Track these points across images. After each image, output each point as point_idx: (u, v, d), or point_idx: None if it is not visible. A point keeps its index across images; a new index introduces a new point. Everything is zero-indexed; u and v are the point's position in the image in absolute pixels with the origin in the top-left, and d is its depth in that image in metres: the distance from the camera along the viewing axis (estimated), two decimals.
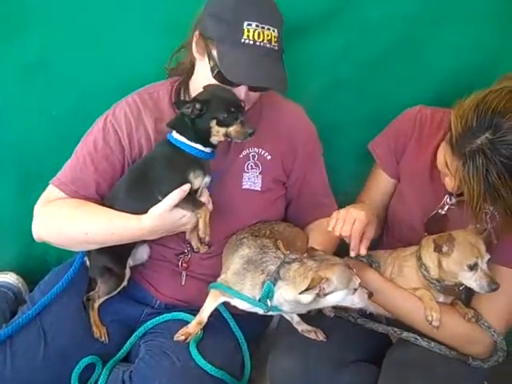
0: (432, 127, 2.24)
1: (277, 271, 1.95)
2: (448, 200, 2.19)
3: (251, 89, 2.08)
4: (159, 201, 2.03)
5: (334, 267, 1.92)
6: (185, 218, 2.05)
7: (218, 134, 2.04)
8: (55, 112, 2.51)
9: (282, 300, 1.96)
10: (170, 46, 2.26)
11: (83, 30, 2.40)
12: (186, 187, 2.02)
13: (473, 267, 1.99)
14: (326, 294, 1.90)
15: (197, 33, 2.09)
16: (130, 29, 2.40)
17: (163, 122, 2.17)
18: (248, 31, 1.98)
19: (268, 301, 1.97)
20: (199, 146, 2.05)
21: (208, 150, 2.07)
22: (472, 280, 2.00)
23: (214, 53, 2.03)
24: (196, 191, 2.08)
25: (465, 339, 2.11)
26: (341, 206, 2.37)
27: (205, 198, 2.09)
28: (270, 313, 2.02)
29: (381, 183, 2.37)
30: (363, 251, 2.07)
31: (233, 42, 1.99)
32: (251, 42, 1.98)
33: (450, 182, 2.02)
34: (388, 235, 2.40)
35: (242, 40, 1.98)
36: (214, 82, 2.06)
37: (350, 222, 2.05)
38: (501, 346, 2.10)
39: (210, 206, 2.10)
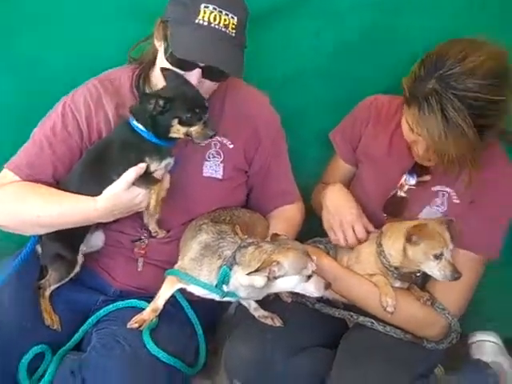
0: (389, 112, 2.26)
1: (233, 256, 1.93)
2: (407, 181, 2.19)
3: (206, 76, 2.02)
4: (114, 180, 2.00)
5: (288, 251, 1.90)
6: (140, 195, 2.01)
7: (178, 132, 2.00)
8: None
9: (237, 284, 1.94)
10: (138, 33, 2.20)
11: (47, 14, 2.35)
12: (143, 165, 1.99)
13: (438, 257, 2.00)
14: (276, 278, 1.87)
15: (158, 19, 2.04)
16: (95, 12, 2.35)
17: (124, 108, 2.13)
18: (204, 12, 1.93)
19: (224, 286, 1.95)
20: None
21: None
22: (436, 269, 2.01)
23: (168, 34, 1.98)
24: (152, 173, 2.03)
25: (420, 322, 2.12)
26: (305, 192, 2.42)
27: (159, 173, 2.05)
28: (226, 299, 2.00)
29: (340, 170, 2.41)
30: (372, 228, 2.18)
31: (187, 22, 1.94)
32: (205, 23, 1.93)
33: (419, 149, 2.02)
34: None
35: (197, 20, 1.93)
36: (167, 65, 2.01)
37: (349, 232, 2.15)
38: (455, 328, 2.12)
39: (165, 184, 2.06)
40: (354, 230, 2.16)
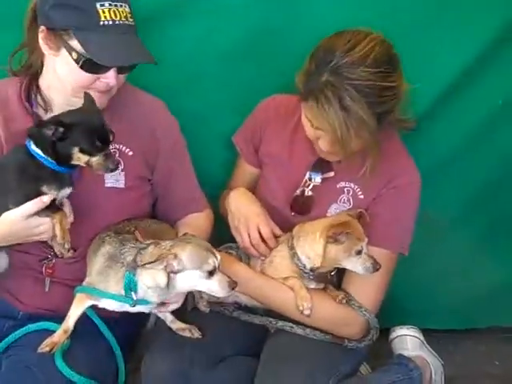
0: (288, 110, 2.27)
1: (134, 260, 1.88)
2: (312, 178, 2.19)
3: (121, 72, 1.98)
4: (10, 208, 1.89)
5: (187, 245, 1.85)
6: (42, 226, 1.92)
7: (78, 160, 1.91)
8: None
9: (145, 288, 1.88)
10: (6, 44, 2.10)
11: None
12: (47, 198, 1.89)
13: (359, 252, 2.01)
14: (175, 273, 1.83)
15: (42, 28, 1.93)
16: None
17: (13, 122, 2.04)
18: (103, 12, 1.87)
19: (133, 294, 1.89)
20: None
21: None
22: (358, 264, 2.02)
23: (74, 43, 1.89)
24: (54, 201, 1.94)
25: (338, 322, 2.12)
26: (213, 199, 2.38)
27: (67, 208, 1.98)
28: (137, 308, 1.93)
29: (246, 173, 2.40)
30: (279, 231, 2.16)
31: (92, 27, 1.88)
32: (110, 23, 1.88)
33: (323, 142, 2.01)
34: None
35: (101, 22, 1.87)
36: (80, 73, 1.93)
37: (255, 234, 2.12)
38: (373, 324, 2.13)
39: (71, 219, 1.98)
40: (259, 232, 2.13)
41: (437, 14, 2.30)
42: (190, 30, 2.33)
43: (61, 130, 1.86)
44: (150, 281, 1.86)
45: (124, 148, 2.14)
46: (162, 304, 1.99)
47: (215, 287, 1.87)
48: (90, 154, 1.89)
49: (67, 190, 1.97)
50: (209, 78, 2.41)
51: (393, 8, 2.26)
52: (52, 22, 1.91)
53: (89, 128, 1.88)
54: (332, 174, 2.18)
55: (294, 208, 2.22)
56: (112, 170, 1.93)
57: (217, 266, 1.86)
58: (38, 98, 2.08)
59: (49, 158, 1.91)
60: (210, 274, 1.85)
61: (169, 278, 1.84)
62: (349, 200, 2.16)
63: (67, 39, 1.90)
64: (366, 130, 1.90)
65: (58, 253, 2.08)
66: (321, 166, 2.18)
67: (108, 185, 2.13)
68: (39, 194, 1.90)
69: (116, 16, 1.89)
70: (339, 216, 2.09)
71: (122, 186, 2.15)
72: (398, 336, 2.51)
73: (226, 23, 2.32)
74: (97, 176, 2.10)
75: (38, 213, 1.90)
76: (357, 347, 2.16)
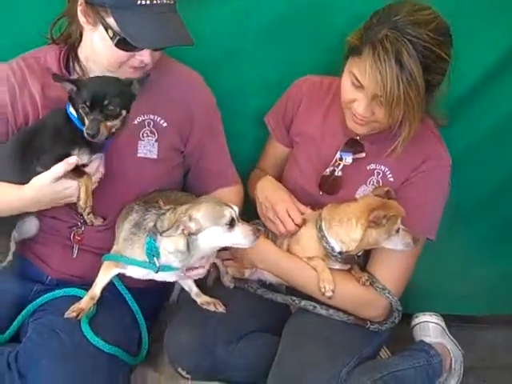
0: (321, 91, 2.27)
1: (154, 225, 1.90)
2: (343, 158, 2.18)
3: (157, 49, 1.98)
4: (38, 171, 1.92)
5: (201, 205, 1.86)
6: (69, 189, 1.94)
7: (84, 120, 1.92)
8: None
9: (166, 253, 1.90)
10: (51, 12, 2.11)
11: None
12: (73, 160, 1.91)
13: (398, 230, 2.01)
14: (195, 234, 1.84)
15: (81, 1, 1.94)
16: None
17: (51, 89, 2.05)
18: None
19: (156, 260, 1.91)
20: None
21: None
22: (398, 242, 2.02)
23: (110, 21, 1.89)
24: (83, 165, 1.96)
25: (361, 303, 2.13)
26: (243, 172, 2.39)
27: (90, 167, 1.98)
28: (161, 274, 1.96)
29: (276, 152, 2.41)
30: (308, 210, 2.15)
31: (129, 6, 1.87)
32: (148, 2, 1.88)
33: (359, 104, 1.99)
34: None
35: (138, 2, 1.87)
36: (115, 50, 1.93)
37: (286, 218, 2.12)
38: (396, 307, 2.13)
39: (97, 176, 2.00)
40: (289, 216, 2.12)
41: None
42: (227, 7, 2.33)
43: (68, 86, 1.90)
44: (170, 246, 1.88)
45: (159, 119, 2.15)
46: (189, 269, 1.99)
47: (239, 238, 1.86)
48: (86, 115, 1.89)
49: (98, 155, 1.99)
50: (245, 56, 2.40)
51: None
52: None
53: (86, 91, 1.89)
54: (363, 154, 2.17)
55: (322, 187, 2.21)
56: (89, 135, 1.88)
57: (235, 217, 1.86)
58: (76, 67, 2.10)
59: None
60: (231, 226, 1.85)
61: (188, 241, 1.85)
62: (378, 182, 2.15)
63: (104, 16, 1.91)
64: (414, 92, 1.89)
65: (87, 220, 2.09)
66: (352, 146, 2.18)
67: (140, 154, 2.14)
68: (69, 156, 1.92)
69: None
70: (368, 198, 2.07)
71: (154, 156, 2.16)
72: (420, 322, 2.50)
73: (264, 3, 2.32)
74: (130, 145, 2.13)
75: (65, 176, 1.92)
76: (379, 329, 2.16)
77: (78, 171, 1.93)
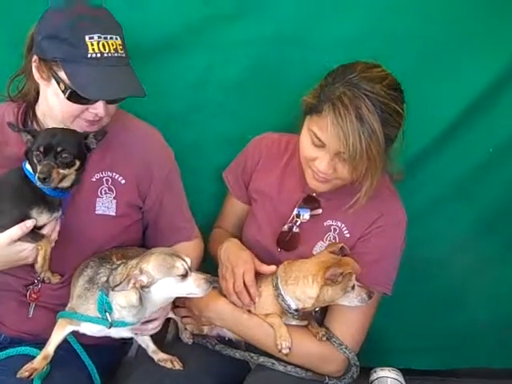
0: (279, 149, 2.31)
1: (107, 280, 1.90)
2: (300, 215, 2.21)
3: (109, 102, 1.99)
4: None
5: (150, 257, 1.86)
6: (25, 251, 1.93)
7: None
8: None
9: (119, 308, 1.89)
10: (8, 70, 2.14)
11: None
12: (30, 223, 1.90)
13: (353, 286, 2.02)
14: (147, 286, 1.84)
15: (35, 58, 1.97)
16: None
17: (8, 146, 2.06)
18: (92, 44, 1.90)
19: (108, 315, 1.90)
20: None
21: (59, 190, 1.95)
22: (354, 298, 2.02)
23: (62, 74, 1.92)
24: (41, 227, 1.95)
25: (318, 359, 2.12)
26: (201, 227, 2.40)
27: (47, 229, 1.97)
28: (115, 330, 1.94)
29: (234, 208, 2.43)
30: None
31: (79, 59, 1.90)
32: (98, 55, 1.91)
33: (321, 162, 2.00)
34: None
35: (89, 55, 1.90)
36: (68, 104, 1.95)
37: (239, 280, 2.09)
38: (354, 362, 2.13)
39: (54, 236, 1.99)
40: (245, 285, 2.11)
41: (432, 58, 2.37)
42: (188, 62, 2.38)
43: (29, 136, 1.92)
44: (122, 301, 1.88)
45: (117, 176, 2.16)
46: (144, 322, 1.98)
47: (192, 288, 1.86)
48: (39, 162, 1.89)
49: (56, 215, 1.98)
50: (205, 110, 2.45)
51: (394, 49, 2.31)
52: (43, 52, 1.94)
53: (41, 138, 1.91)
54: (320, 211, 2.20)
55: (280, 244, 2.23)
56: (39, 180, 1.87)
57: (187, 267, 1.86)
58: (34, 124, 2.11)
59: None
60: (184, 277, 1.85)
61: (141, 294, 1.84)
62: (335, 238, 2.18)
63: (56, 70, 1.93)
64: (375, 146, 1.92)
65: (45, 278, 2.08)
66: (309, 202, 2.21)
67: (99, 212, 2.14)
68: (27, 217, 1.91)
69: (105, 48, 1.91)
70: (324, 255, 2.08)
71: (112, 213, 2.16)
72: (378, 377, 2.51)
73: (224, 58, 2.38)
74: (88, 202, 2.13)
75: (24, 238, 1.91)
76: None
77: (35, 233, 1.92)
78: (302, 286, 2.04)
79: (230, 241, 2.25)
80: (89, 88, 1.91)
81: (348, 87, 1.93)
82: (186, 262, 1.87)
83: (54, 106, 2.00)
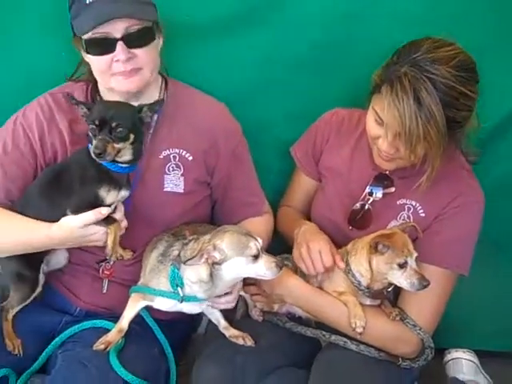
0: (350, 125, 2.26)
1: (179, 255, 1.90)
2: (373, 193, 2.16)
3: (129, 44, 1.95)
4: (68, 215, 1.94)
5: (225, 234, 1.86)
6: (96, 234, 1.96)
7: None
8: None
9: (189, 283, 1.90)
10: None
11: None
12: (105, 211, 1.93)
13: (402, 265, 1.97)
14: (219, 263, 1.84)
15: (73, 39, 2.03)
16: (45, 26, 2.28)
17: (79, 124, 2.08)
18: None
19: (179, 289, 1.91)
20: None
21: (122, 165, 1.96)
22: (402, 278, 1.98)
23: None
24: (109, 205, 1.97)
25: (392, 339, 2.08)
26: (271, 202, 2.39)
27: (119, 214, 1.99)
28: (187, 305, 1.96)
29: (302, 184, 2.39)
30: (342, 265, 2.07)
31: (81, 10, 1.94)
32: None
33: (383, 142, 1.98)
34: None
35: (87, 2, 1.92)
36: (94, 62, 1.98)
37: (317, 259, 2.06)
38: (428, 344, 2.08)
39: (124, 223, 2.01)
40: (321, 258, 2.08)
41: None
42: (258, 39, 2.35)
43: (85, 109, 1.93)
44: (193, 276, 1.89)
45: (184, 152, 2.16)
46: (217, 297, 1.99)
47: (262, 270, 1.86)
48: (94, 137, 1.90)
49: (124, 193, 2.00)
50: (272, 88, 2.42)
51: (465, 26, 2.21)
52: (71, 25, 2.00)
53: (96, 113, 1.91)
54: (393, 189, 2.15)
55: (351, 222, 2.19)
56: (95, 155, 1.88)
57: (259, 248, 1.85)
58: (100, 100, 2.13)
59: None
60: (255, 258, 1.84)
61: (212, 270, 1.85)
62: (409, 217, 2.12)
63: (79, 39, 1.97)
64: (434, 129, 1.86)
65: (117, 256, 2.08)
66: (382, 180, 2.16)
67: (167, 189, 2.15)
68: (97, 197, 1.94)
69: None
70: (388, 229, 2.07)
71: (180, 190, 2.16)
72: (453, 358, 2.46)
73: (293, 34, 2.34)
74: (156, 180, 2.14)
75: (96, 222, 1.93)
76: (411, 367, 2.11)
77: (107, 218, 1.94)
78: (359, 257, 2.04)
79: (307, 224, 2.23)
80: (83, 25, 1.93)
81: (411, 68, 1.87)
82: (259, 243, 1.86)
83: (94, 74, 2.03)
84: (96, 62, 1.99)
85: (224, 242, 1.84)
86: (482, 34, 2.23)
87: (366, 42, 2.31)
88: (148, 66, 2.02)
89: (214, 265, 1.85)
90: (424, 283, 1.96)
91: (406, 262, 1.97)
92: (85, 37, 1.95)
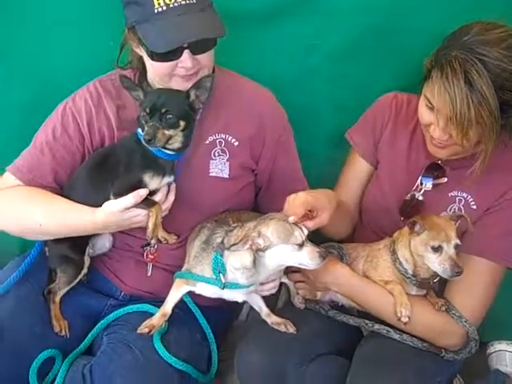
0: (408, 112, 2.22)
1: (222, 241, 1.92)
2: (424, 183, 2.14)
3: (195, 52, 1.95)
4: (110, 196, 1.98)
5: (271, 221, 1.86)
6: (138, 217, 1.98)
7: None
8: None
9: (232, 270, 1.91)
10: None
11: (47, 14, 2.33)
12: (143, 192, 1.95)
13: (437, 249, 1.94)
14: (263, 251, 1.84)
15: (126, 30, 2.01)
16: (83, 19, 2.32)
17: (126, 110, 2.11)
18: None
19: (221, 276, 1.92)
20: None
21: (170, 152, 1.99)
22: (436, 263, 1.96)
23: (142, 37, 1.94)
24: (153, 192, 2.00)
25: (436, 330, 2.06)
26: None
27: (160, 195, 2.01)
28: (229, 292, 1.97)
29: (358, 170, 2.32)
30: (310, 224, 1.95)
31: (149, 17, 1.91)
32: (165, 8, 1.89)
33: (435, 128, 1.95)
34: (362, 225, 2.34)
35: (155, 11, 1.89)
36: (157, 65, 1.97)
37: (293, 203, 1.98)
38: (473, 336, 2.06)
39: (167, 205, 2.03)
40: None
41: None
42: (300, 27, 2.34)
43: (141, 94, 1.95)
44: (236, 262, 1.89)
45: (230, 138, 2.16)
46: (261, 284, 2.00)
47: (305, 259, 1.86)
48: (146, 123, 1.92)
49: (168, 179, 2.02)
50: (319, 74, 2.40)
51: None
52: (126, 20, 1.97)
53: (148, 99, 1.93)
54: (445, 180, 2.12)
55: (403, 212, 2.17)
56: (145, 141, 1.90)
57: (304, 238, 1.84)
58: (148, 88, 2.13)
59: None
60: (300, 246, 1.84)
61: (255, 257, 1.85)
62: (460, 210, 2.09)
63: (137, 35, 1.95)
64: (486, 112, 1.83)
65: (161, 239, 2.12)
66: (434, 170, 2.13)
67: (212, 174, 2.16)
68: (140, 182, 1.96)
69: (170, 0, 1.89)
70: (436, 215, 2.04)
71: (225, 175, 2.17)
72: (496, 351, 2.42)
73: (338, 22, 2.33)
74: (201, 165, 2.15)
75: (137, 204, 1.96)
76: (454, 359, 2.08)
77: (147, 200, 1.96)
78: (404, 242, 2.02)
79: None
80: (158, 42, 1.91)
81: (460, 51, 1.84)
82: (304, 233, 1.86)
83: (151, 70, 2.03)
84: (158, 66, 1.98)
85: (269, 229, 1.85)
86: None
87: (414, 30, 2.29)
88: (208, 66, 2.03)
89: (257, 252, 1.86)
90: (457, 270, 1.93)
91: (440, 247, 1.94)
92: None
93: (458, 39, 1.87)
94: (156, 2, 1.89)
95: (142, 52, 2.00)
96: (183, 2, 1.90)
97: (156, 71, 2.00)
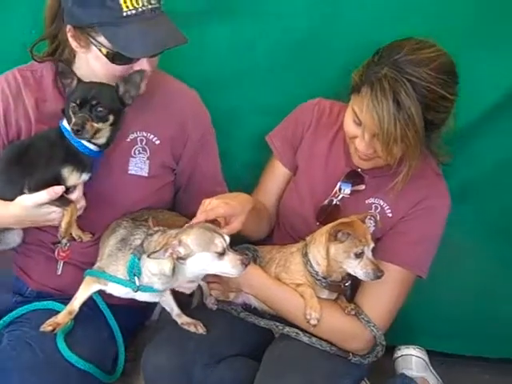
0: (330, 118, 2.24)
1: (141, 245, 1.88)
2: (342, 189, 2.16)
3: (152, 56, 1.94)
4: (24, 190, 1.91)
5: (191, 230, 1.84)
6: (53, 214, 1.93)
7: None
8: None
9: (149, 274, 1.88)
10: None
11: None
12: (59, 189, 1.89)
13: (359, 255, 1.97)
14: (183, 258, 1.81)
15: (69, 27, 1.92)
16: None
17: (46, 103, 2.05)
18: (125, 2, 1.85)
19: (136, 279, 1.88)
20: (85, 142, 1.92)
21: (94, 147, 1.94)
22: (358, 268, 1.98)
23: (101, 39, 1.88)
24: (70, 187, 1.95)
25: (345, 334, 2.08)
26: None
27: (76, 194, 1.96)
28: (142, 294, 1.93)
29: (277, 174, 2.32)
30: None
31: (116, 20, 1.86)
32: (133, 11, 1.86)
33: (360, 142, 1.98)
34: (279, 228, 2.35)
35: (124, 14, 1.85)
36: (112, 66, 1.92)
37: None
38: (380, 341, 2.09)
39: (82, 203, 1.98)
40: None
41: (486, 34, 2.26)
42: (233, 28, 2.33)
43: (74, 82, 1.92)
44: (155, 268, 1.86)
45: (151, 136, 2.13)
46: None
47: (227, 267, 1.84)
48: (74, 114, 1.88)
49: (85, 176, 1.97)
50: (246, 78, 2.39)
51: (443, 24, 2.22)
52: (78, 20, 1.90)
53: (79, 90, 1.90)
54: (363, 187, 2.14)
55: (319, 217, 2.18)
56: (73, 131, 1.86)
57: (225, 246, 1.83)
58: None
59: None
60: (221, 255, 1.83)
61: (175, 265, 1.83)
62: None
63: (95, 36, 1.89)
64: (411, 132, 1.86)
65: (75, 237, 2.06)
66: (353, 177, 2.15)
67: (131, 172, 2.12)
68: (58, 176, 1.91)
69: (138, 3, 1.86)
70: (347, 218, 2.06)
71: (145, 174, 2.13)
72: (403, 355, 2.47)
73: (272, 27, 2.32)
74: (121, 162, 2.11)
75: (51, 202, 1.90)
76: (361, 362, 2.12)
77: (63, 198, 1.91)
78: (317, 245, 2.04)
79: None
80: (131, 47, 1.87)
81: (391, 69, 1.87)
82: (225, 241, 1.84)
83: (96, 70, 1.97)
84: (110, 68, 1.93)
85: (190, 237, 1.82)
86: (461, 33, 2.23)
87: (348, 39, 2.30)
88: (156, 66, 2.01)
89: (178, 259, 1.83)
90: (379, 274, 1.96)
91: (362, 252, 1.97)
92: (114, 50, 1.88)
93: (389, 56, 1.90)
94: (124, 5, 1.84)
95: (91, 52, 1.93)
96: (150, 6, 1.88)
97: (109, 73, 1.95)
